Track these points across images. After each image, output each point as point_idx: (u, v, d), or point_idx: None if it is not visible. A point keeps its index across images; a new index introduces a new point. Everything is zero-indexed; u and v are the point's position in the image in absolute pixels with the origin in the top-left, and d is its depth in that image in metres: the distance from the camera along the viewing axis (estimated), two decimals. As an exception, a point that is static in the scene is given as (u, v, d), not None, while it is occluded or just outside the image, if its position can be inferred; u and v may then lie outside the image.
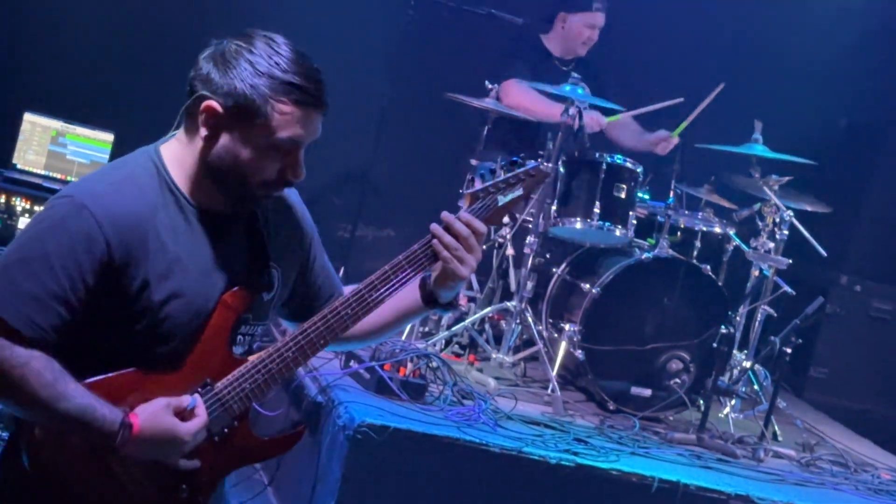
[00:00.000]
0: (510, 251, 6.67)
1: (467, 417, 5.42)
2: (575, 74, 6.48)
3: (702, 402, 6.25)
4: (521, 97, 6.98)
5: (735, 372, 6.61)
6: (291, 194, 3.10)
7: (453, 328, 6.44)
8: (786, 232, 6.59)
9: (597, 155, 6.53)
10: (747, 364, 6.59)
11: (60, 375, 2.69)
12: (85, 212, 2.69)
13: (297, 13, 7.95)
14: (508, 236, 6.69)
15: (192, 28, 7.68)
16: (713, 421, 6.22)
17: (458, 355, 6.48)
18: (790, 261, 6.57)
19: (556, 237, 6.66)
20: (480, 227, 2.99)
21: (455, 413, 5.42)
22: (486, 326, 6.68)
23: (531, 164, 3.12)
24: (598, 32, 7.28)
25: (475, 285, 6.78)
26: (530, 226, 6.47)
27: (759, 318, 6.67)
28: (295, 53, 2.79)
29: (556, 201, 6.46)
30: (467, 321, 6.45)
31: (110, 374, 2.76)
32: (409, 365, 5.56)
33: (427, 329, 6.48)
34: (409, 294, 3.13)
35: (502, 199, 3.07)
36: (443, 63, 7.81)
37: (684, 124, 7.11)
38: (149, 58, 7.62)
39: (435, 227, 2.99)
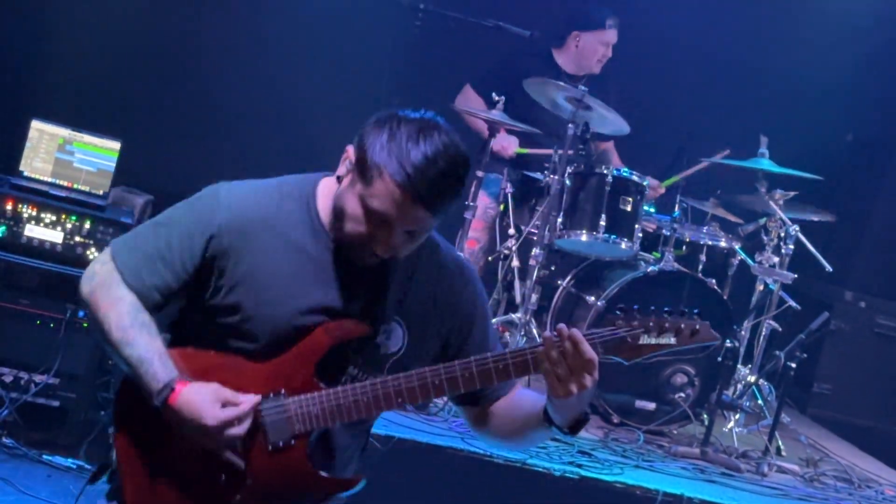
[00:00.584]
0: (515, 263, 6.67)
1: (472, 429, 5.41)
2: (583, 87, 6.48)
3: (706, 416, 6.26)
4: (463, 104, 7.09)
5: (739, 386, 6.61)
6: (464, 269, 3.20)
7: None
8: (791, 246, 6.59)
9: (603, 168, 6.53)
10: (751, 378, 6.58)
11: (140, 325, 2.96)
12: (216, 197, 3.03)
13: (305, 26, 7.99)
14: (514, 248, 6.69)
15: (200, 38, 7.73)
16: (717, 435, 6.22)
17: (462, 367, 6.46)
18: (795, 275, 6.56)
19: (562, 249, 6.66)
20: (587, 351, 2.86)
21: (459, 424, 5.42)
22: (491, 338, 6.66)
23: (700, 320, 2.97)
24: (611, 49, 7.30)
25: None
26: (535, 238, 6.46)
27: (763, 333, 6.67)
28: (435, 149, 2.89)
29: (561, 213, 6.46)
30: (472, 333, 6.44)
31: (192, 349, 3.01)
32: (414, 375, 5.55)
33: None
34: (535, 405, 3.05)
35: (646, 339, 2.94)
36: (449, 75, 7.80)
37: (677, 178, 7.11)
38: (157, 67, 7.64)
39: (547, 336, 2.90)
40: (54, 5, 7.29)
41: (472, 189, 6.70)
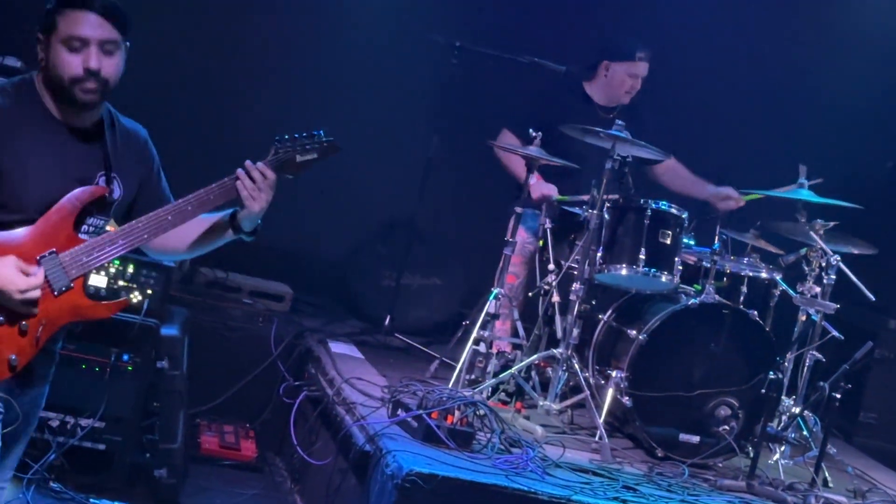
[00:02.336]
0: (556, 298, 6.67)
1: (515, 465, 5.41)
2: (619, 122, 6.50)
3: (751, 448, 6.21)
4: (501, 150, 7.14)
5: (784, 418, 6.56)
6: (141, 133, 3.99)
7: (500, 375, 6.44)
8: (833, 276, 6.56)
9: (641, 201, 6.53)
10: (796, 410, 6.54)
11: None
12: None
13: (343, 66, 8.06)
14: (554, 283, 6.69)
15: (235, 73, 7.80)
16: (763, 467, 6.17)
17: (504, 403, 6.47)
18: (838, 305, 6.53)
19: (602, 283, 6.66)
20: (271, 175, 3.87)
21: (503, 461, 5.42)
22: (533, 374, 6.67)
23: (325, 137, 3.99)
24: (640, 81, 7.31)
25: (521, 332, 6.78)
26: (576, 272, 6.47)
27: (807, 364, 6.63)
28: None
29: (601, 248, 6.46)
30: (514, 369, 6.45)
31: None
32: (457, 413, 5.57)
33: (474, 377, 6.48)
34: (220, 219, 3.98)
35: (300, 158, 3.96)
36: (486, 111, 7.84)
37: (757, 195, 7.09)
38: (189, 105, 7.73)
39: (240, 171, 3.85)
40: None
41: (511, 225, 6.72)
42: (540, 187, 6.94)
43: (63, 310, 3.72)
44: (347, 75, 8.05)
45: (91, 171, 3.80)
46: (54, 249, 3.67)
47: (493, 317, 6.54)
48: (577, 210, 6.73)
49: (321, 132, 4.02)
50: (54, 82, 3.68)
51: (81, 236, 3.75)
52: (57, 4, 3.67)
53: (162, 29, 7.52)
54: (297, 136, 3.99)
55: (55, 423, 5.30)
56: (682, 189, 7.51)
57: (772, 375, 6.22)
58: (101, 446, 5.39)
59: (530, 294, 6.99)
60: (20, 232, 3.64)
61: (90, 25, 3.66)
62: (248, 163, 3.87)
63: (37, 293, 3.60)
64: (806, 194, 6.61)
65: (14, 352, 3.61)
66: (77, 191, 3.71)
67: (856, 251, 6.90)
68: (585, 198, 6.63)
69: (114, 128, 3.90)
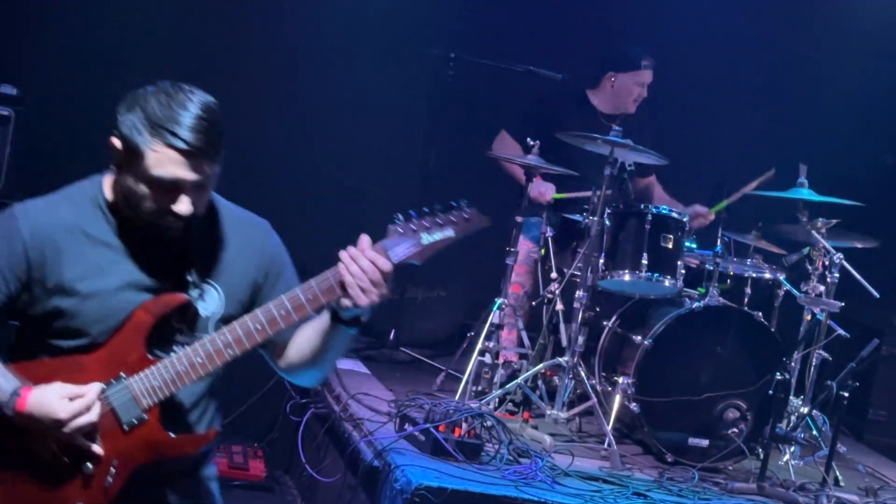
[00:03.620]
0: (560, 306, 6.66)
1: (525, 476, 5.40)
2: (616, 127, 6.50)
3: (760, 450, 6.19)
4: (499, 150, 7.15)
5: (793, 418, 6.54)
6: (260, 227, 3.45)
7: (506, 386, 6.43)
8: (836, 275, 6.55)
9: (642, 206, 6.54)
10: (805, 410, 6.52)
11: None
12: (13, 218, 3.20)
13: (338, 81, 8.06)
14: (557, 291, 6.69)
15: (229, 86, 7.80)
16: (773, 469, 6.15)
17: (512, 413, 6.45)
18: (842, 304, 6.52)
19: (606, 290, 6.65)
20: (384, 264, 3.14)
21: (512, 472, 5.41)
22: (539, 383, 6.66)
23: (468, 208, 3.24)
24: (646, 89, 7.32)
25: (526, 342, 6.78)
26: (579, 280, 6.46)
27: (814, 363, 6.62)
28: (182, 101, 3.12)
29: (603, 254, 6.46)
30: (520, 378, 6.44)
31: (26, 361, 3.19)
32: (464, 425, 5.55)
33: (480, 388, 6.47)
34: (322, 321, 3.30)
35: (427, 239, 3.18)
36: (484, 122, 7.84)
37: (725, 203, 7.09)
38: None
39: (343, 254, 3.14)
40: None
41: (513, 234, 6.71)
42: (538, 186, 6.94)
43: (137, 447, 3.18)
44: (343, 90, 8.06)
45: (171, 277, 3.25)
46: (122, 374, 3.17)
47: (498, 327, 6.54)
48: (577, 217, 6.73)
49: (464, 202, 3.26)
50: (130, 206, 3.18)
51: (159, 355, 3.21)
52: (149, 133, 3.08)
53: (160, 36, 7.55)
54: (426, 209, 3.24)
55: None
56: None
57: (779, 376, 6.19)
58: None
59: (534, 303, 6.99)
60: (86, 357, 3.18)
61: (189, 170, 3.11)
62: (352, 249, 3.14)
63: (86, 420, 3.09)
64: (806, 193, 6.60)
65: (82, 499, 3.16)
66: (148, 301, 3.20)
67: (859, 245, 6.89)
68: (586, 194, 6.63)
69: (215, 220, 3.35)
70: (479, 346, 6.49)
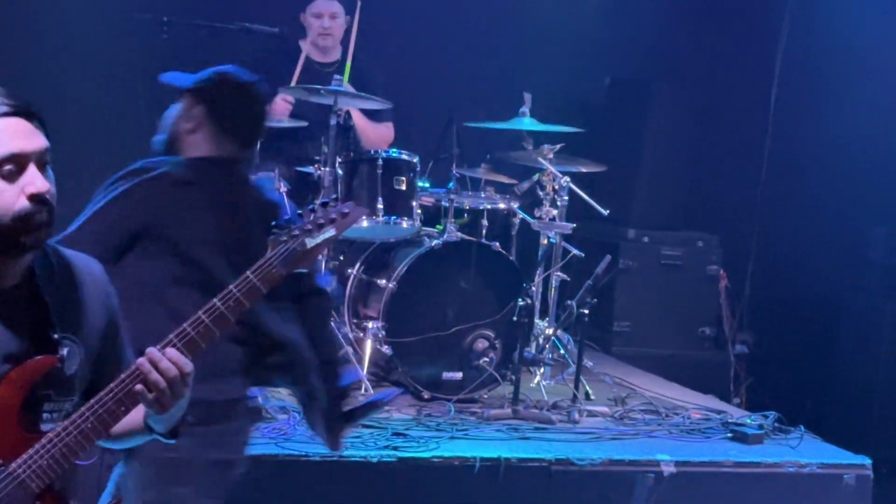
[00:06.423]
0: (302, 259, 6.64)
1: (284, 432, 5.43)
2: (337, 76, 6.51)
3: (512, 375, 6.37)
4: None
5: (540, 340, 6.74)
6: (96, 268, 2.94)
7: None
8: (566, 198, 6.76)
9: (372, 152, 6.58)
10: (549, 331, 6.72)
11: None
12: None
13: (48, 61, 7.77)
14: (299, 245, 6.65)
15: None
16: (526, 392, 6.34)
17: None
18: (574, 225, 6.74)
19: (346, 238, 6.67)
20: (187, 366, 2.70)
21: (270, 429, 5.41)
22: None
23: (344, 205, 3.00)
24: (335, 22, 7.23)
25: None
26: (317, 231, 6.44)
27: (554, 285, 6.83)
28: None
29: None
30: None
31: None
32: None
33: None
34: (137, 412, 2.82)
35: (311, 242, 2.92)
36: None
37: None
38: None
39: (142, 362, 2.68)
40: None
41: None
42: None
43: None
44: (53, 69, 7.78)
45: (26, 340, 2.73)
46: (0, 461, 2.66)
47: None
48: (309, 170, 6.70)
49: (330, 199, 3.03)
50: None
51: (44, 429, 2.70)
52: None
53: None
54: (298, 211, 3.01)
55: None
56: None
57: (521, 302, 6.38)
58: None
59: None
60: None
61: (26, 139, 2.68)
62: (152, 351, 2.67)
63: None
64: (528, 122, 6.77)
65: None
66: (12, 371, 2.68)
67: (584, 170, 7.12)
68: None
69: (51, 268, 2.81)
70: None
